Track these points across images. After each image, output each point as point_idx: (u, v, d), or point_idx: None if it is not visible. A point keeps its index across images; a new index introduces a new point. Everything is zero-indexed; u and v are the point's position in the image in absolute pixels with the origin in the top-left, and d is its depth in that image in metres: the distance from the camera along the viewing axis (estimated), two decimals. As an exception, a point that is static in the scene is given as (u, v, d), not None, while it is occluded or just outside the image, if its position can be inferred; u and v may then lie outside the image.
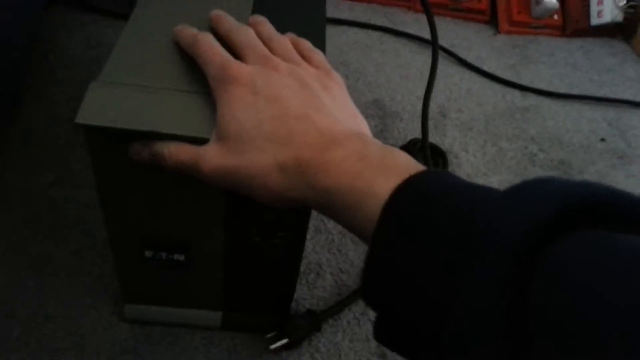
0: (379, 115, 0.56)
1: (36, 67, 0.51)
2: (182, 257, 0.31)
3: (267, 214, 0.28)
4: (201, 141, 0.24)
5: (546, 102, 0.62)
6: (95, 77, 0.26)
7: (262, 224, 0.29)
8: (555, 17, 0.71)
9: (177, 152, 0.24)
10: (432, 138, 0.54)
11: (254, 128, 0.23)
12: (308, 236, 0.43)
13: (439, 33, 0.66)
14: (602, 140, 0.59)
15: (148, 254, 0.30)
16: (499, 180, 0.51)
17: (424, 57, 0.64)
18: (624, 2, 0.69)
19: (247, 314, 0.36)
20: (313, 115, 0.23)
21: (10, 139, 0.45)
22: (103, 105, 0.24)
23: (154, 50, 0.28)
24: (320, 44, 0.29)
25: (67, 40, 0.55)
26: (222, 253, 0.31)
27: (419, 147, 0.49)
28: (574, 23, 0.71)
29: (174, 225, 0.29)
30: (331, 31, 0.65)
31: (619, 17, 0.69)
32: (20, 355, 0.33)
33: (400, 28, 0.67)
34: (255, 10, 0.31)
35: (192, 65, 0.27)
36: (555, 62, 0.68)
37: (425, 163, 0.47)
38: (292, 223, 0.29)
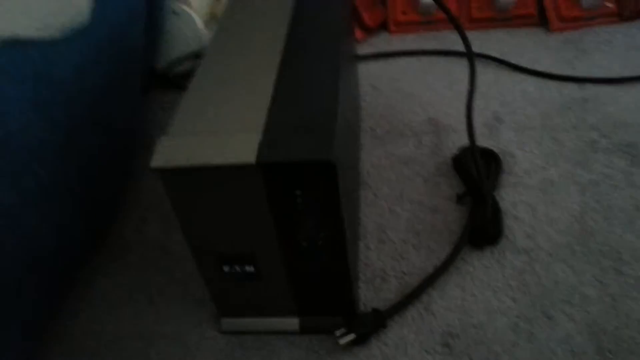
0: (432, 130, 0.60)
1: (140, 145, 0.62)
2: (252, 269, 0.38)
3: (307, 221, 0.34)
4: (245, 167, 0.31)
5: (605, 89, 0.62)
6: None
7: (304, 229, 0.35)
8: (608, 4, 0.71)
9: None
10: (487, 143, 0.57)
11: None
12: (372, 246, 0.48)
13: (490, 45, 0.70)
14: (671, 115, 0.57)
15: (225, 268, 0.38)
16: (558, 172, 0.53)
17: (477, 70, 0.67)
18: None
19: (319, 316, 0.41)
20: None
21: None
22: (172, 151, 0.32)
23: (216, 101, 0.36)
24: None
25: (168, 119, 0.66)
26: (281, 261, 0.37)
27: (469, 154, 0.53)
28: (631, 5, 0.71)
29: (240, 240, 0.36)
30: (384, 64, 0.71)
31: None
32: (145, 366, 0.42)
33: (449, 48, 0.71)
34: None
35: (251, 109, 0.34)
36: (614, 49, 0.68)
37: (475, 166, 0.51)
38: (328, 224, 0.35)
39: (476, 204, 0.49)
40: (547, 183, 0.52)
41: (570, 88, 0.63)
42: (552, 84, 0.64)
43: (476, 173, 0.50)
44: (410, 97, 0.65)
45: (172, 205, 0.35)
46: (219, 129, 0.34)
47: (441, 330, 0.41)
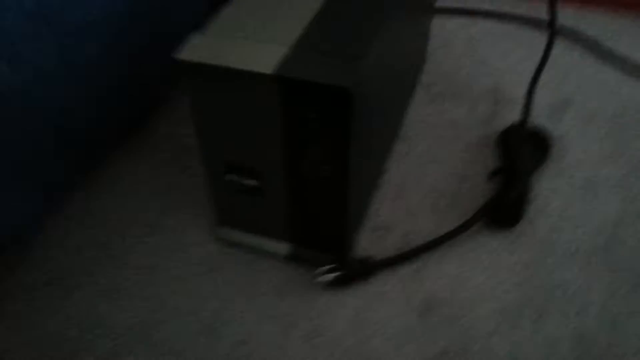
0: (492, 100, 0.56)
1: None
2: (254, 183, 0.38)
3: (314, 148, 0.34)
4: (261, 77, 0.31)
5: (701, 100, 0.56)
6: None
7: (310, 156, 0.34)
8: None
9: None
10: (546, 125, 0.53)
11: None
12: (389, 198, 0.47)
13: (586, 24, 0.64)
14: None
15: (229, 177, 0.38)
16: (609, 174, 0.49)
17: (556, 48, 0.62)
18: None
19: (310, 249, 0.42)
20: None
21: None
22: (200, 48, 0.33)
23: (257, 12, 0.36)
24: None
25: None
26: (283, 184, 0.37)
27: (517, 131, 0.49)
28: None
29: (247, 152, 0.36)
30: (463, 22, 0.67)
31: None
32: (139, 250, 0.44)
33: (539, 17, 0.65)
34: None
35: (288, 26, 0.34)
36: None
37: (519, 146, 0.47)
38: (335, 157, 0.34)
39: (506, 183, 0.46)
40: (592, 182, 0.48)
41: (660, 90, 0.57)
42: (636, 82, 0.58)
43: (516, 151, 0.47)
44: (481, 62, 0.61)
45: (190, 103, 0.35)
46: (251, 37, 0.34)
47: (424, 296, 0.40)
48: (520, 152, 0.47)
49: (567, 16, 0.66)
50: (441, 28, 0.67)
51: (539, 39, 0.64)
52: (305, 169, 0.36)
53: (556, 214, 0.45)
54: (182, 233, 0.45)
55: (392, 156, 0.51)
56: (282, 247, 0.42)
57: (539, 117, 0.54)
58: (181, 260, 0.43)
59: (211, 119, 0.36)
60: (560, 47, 0.63)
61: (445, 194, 0.47)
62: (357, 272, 0.41)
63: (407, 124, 0.54)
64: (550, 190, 0.47)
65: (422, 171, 0.49)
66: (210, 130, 0.37)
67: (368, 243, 0.44)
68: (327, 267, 0.40)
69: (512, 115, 0.54)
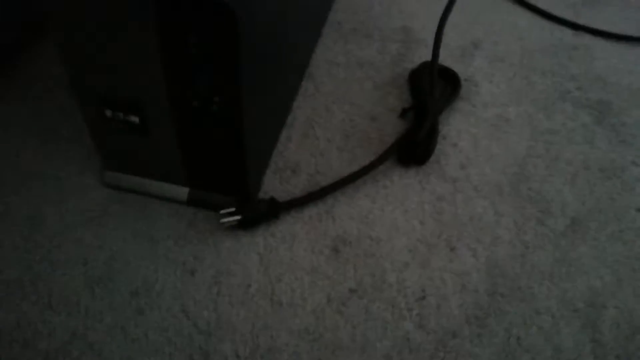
0: (403, 40, 0.54)
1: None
2: (137, 119, 0.34)
3: (199, 76, 0.30)
4: None
5: (600, 42, 0.57)
6: None
7: (196, 86, 0.30)
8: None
9: None
10: (456, 66, 0.52)
11: None
12: (294, 138, 0.44)
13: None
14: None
15: (108, 113, 0.34)
16: (517, 111, 0.48)
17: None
18: None
19: (210, 192, 0.38)
20: None
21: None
22: None
23: None
24: None
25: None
26: (170, 119, 0.33)
27: (428, 71, 0.48)
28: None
29: (124, 83, 0.32)
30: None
31: None
32: (18, 200, 0.38)
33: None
34: None
35: None
36: (628, 6, 0.62)
37: (430, 85, 0.46)
38: (224, 88, 0.30)
39: (417, 121, 0.44)
40: (501, 119, 0.47)
41: (564, 32, 0.58)
42: (547, 24, 0.58)
43: (427, 90, 0.45)
44: (394, 2, 0.59)
45: (50, 26, 0.30)
46: None
47: (335, 234, 0.38)
48: (431, 89, 0.45)
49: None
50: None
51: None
52: (193, 102, 0.32)
53: (465, 150, 0.44)
54: (67, 180, 0.40)
55: (298, 95, 0.48)
56: (179, 191, 0.38)
57: (450, 58, 0.53)
58: (68, 209, 0.38)
59: (75, 42, 0.31)
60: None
61: (354, 133, 0.45)
62: (262, 214, 0.38)
63: (315, 62, 0.51)
64: (459, 128, 0.46)
65: (331, 110, 0.47)
66: (77, 56, 0.31)
67: (275, 184, 0.41)
68: (231, 209, 0.37)
69: (423, 55, 0.53)
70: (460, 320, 0.34)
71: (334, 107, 0.47)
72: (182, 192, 0.38)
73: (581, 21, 0.59)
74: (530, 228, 0.39)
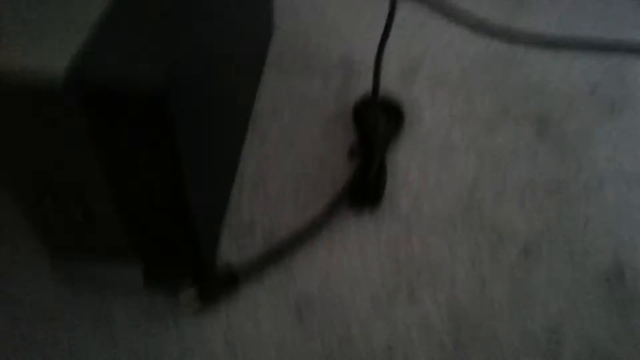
0: (344, 71, 0.54)
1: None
2: (77, 207, 0.32)
3: (136, 164, 0.29)
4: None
5: (535, 50, 0.58)
6: None
7: (134, 173, 0.30)
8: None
9: None
10: (397, 93, 0.52)
11: None
12: (245, 195, 0.43)
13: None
14: (593, 91, 0.54)
15: (46, 204, 0.32)
16: (462, 136, 0.49)
17: (404, 10, 0.61)
18: None
19: (164, 268, 0.37)
20: None
21: None
22: None
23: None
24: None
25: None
26: (111, 205, 0.32)
27: (370, 106, 0.48)
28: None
29: (60, 173, 0.30)
30: (307, -13, 0.64)
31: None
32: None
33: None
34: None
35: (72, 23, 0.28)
36: (558, 6, 0.63)
37: (373, 119, 0.46)
38: (165, 176, 0.30)
39: (365, 161, 0.45)
40: (447, 147, 0.48)
41: (499, 45, 0.59)
42: (482, 38, 0.59)
43: (371, 127, 0.45)
44: (332, 30, 0.59)
45: None
46: (34, 35, 0.27)
47: (297, 295, 0.38)
48: (375, 127, 0.45)
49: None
50: (284, -3, 0.63)
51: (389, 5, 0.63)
52: (134, 189, 0.31)
53: (415, 185, 0.45)
54: (5, 276, 0.38)
55: (245, 146, 0.47)
56: (133, 275, 0.37)
57: (391, 84, 0.53)
58: (9, 310, 0.37)
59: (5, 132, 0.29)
60: (407, 8, 0.62)
61: (305, 181, 0.45)
62: (222, 288, 0.37)
63: (258, 108, 0.50)
64: (407, 162, 0.47)
65: (278, 161, 0.46)
66: (10, 150, 0.30)
67: (231, 245, 0.40)
68: (188, 286, 0.36)
69: (365, 85, 0.53)
70: (427, 370, 0.35)
71: (282, 156, 0.47)
72: (137, 275, 0.38)
73: (517, 25, 0.60)
74: (485, 261, 0.40)
